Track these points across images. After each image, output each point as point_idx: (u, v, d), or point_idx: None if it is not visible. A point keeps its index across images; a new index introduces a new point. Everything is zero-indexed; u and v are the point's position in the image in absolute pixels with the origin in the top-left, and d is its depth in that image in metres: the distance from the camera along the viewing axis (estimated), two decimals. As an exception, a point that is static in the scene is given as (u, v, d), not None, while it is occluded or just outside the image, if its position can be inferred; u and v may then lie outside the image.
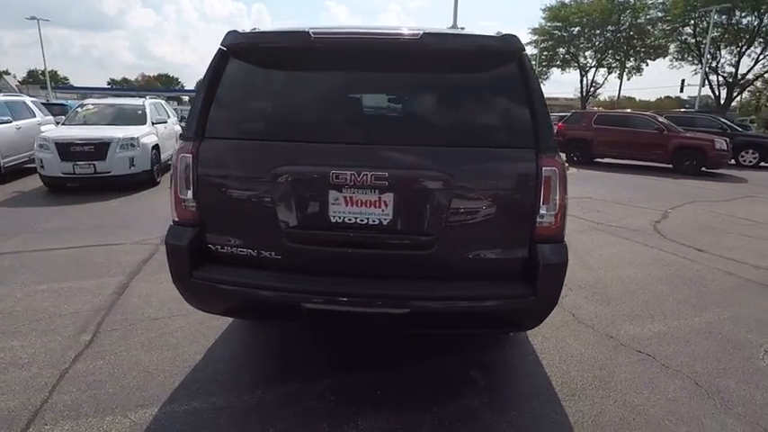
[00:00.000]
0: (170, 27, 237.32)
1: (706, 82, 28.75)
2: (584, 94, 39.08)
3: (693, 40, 30.25)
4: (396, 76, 2.03)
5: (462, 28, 18.44)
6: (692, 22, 29.54)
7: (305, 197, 1.97)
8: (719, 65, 29.94)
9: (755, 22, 26.97)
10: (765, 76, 29.94)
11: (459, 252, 1.99)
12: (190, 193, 2.05)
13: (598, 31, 36.17)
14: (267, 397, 2.29)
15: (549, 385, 2.45)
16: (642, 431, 2.11)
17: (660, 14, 31.66)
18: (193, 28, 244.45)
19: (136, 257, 4.36)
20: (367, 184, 1.89)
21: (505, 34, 1.97)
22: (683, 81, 28.84)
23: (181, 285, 2.11)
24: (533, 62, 38.82)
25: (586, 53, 38.16)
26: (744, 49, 28.06)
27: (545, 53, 38.56)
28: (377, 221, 1.95)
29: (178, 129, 11.28)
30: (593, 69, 38.48)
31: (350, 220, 1.96)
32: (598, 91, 40.76)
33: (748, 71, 28.98)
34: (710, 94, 30.77)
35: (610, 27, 35.23)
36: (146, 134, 8.23)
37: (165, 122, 9.80)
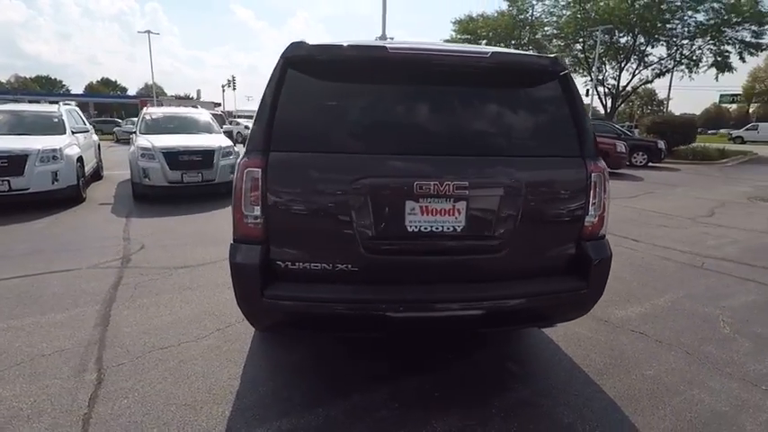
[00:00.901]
0: (45, 23, 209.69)
1: (595, 92, 32.72)
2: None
3: (583, 56, 34.25)
4: (465, 90, 2.14)
5: (392, 38, 19.01)
6: (581, 39, 33.45)
7: (383, 208, 1.99)
8: (605, 78, 34.25)
9: (631, 42, 31.36)
10: (639, 89, 34.83)
11: (524, 253, 2.15)
12: (258, 209, 1.96)
13: (503, 44, 39.29)
14: (332, 413, 2.24)
15: (578, 368, 2.71)
16: (669, 398, 2.44)
17: (555, 32, 35.33)
18: (76, 25, 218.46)
19: (101, 284, 3.91)
20: (446, 193, 1.97)
21: (554, 56, 2.19)
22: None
23: (250, 306, 2.00)
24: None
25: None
26: (623, 65, 32.42)
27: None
28: (451, 229, 2.04)
29: (96, 138, 10.20)
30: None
31: (425, 228, 2.03)
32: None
33: (627, 84, 33.53)
34: (599, 103, 35.05)
35: (512, 41, 38.46)
36: (68, 145, 7.35)
37: (86, 132, 8.83)
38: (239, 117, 37.92)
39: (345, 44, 2.01)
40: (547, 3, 35.44)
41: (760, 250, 5.31)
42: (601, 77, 33.70)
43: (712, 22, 27.79)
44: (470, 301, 2.04)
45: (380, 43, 2.03)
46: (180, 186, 7.40)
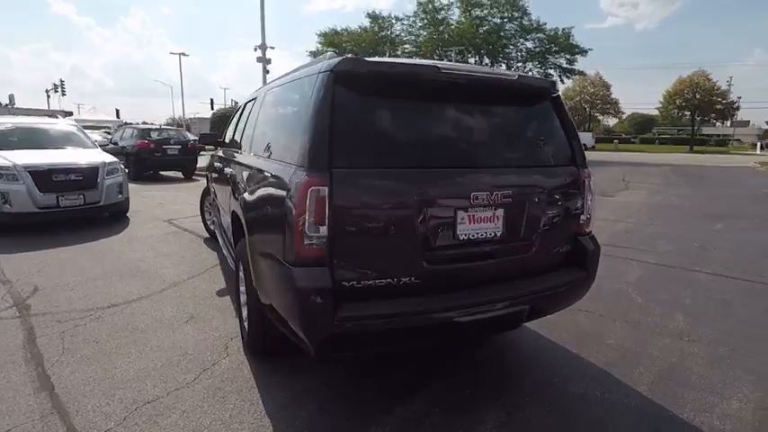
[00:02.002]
0: None
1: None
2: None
3: (439, 72, 38.04)
4: (497, 108, 2.33)
5: (272, 47, 18.46)
6: (437, 57, 37.04)
7: (440, 220, 2.07)
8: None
9: (478, 62, 35.90)
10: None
11: (544, 251, 2.44)
12: (324, 229, 1.86)
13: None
14: (387, 429, 2.22)
15: (561, 347, 3.13)
16: (636, 359, 2.98)
17: (414, 49, 38.43)
18: None
19: (6, 341, 3.11)
20: (489, 202, 2.14)
21: (551, 80, 2.54)
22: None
23: (321, 332, 1.88)
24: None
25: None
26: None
27: (325, 75, 41.48)
28: (491, 234, 2.22)
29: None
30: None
31: (473, 236, 2.17)
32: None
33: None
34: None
35: (376, 56, 40.61)
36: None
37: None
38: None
39: (396, 61, 2.05)
40: (405, 23, 38.43)
41: (621, 235, 6.68)
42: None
43: (538, 49, 33.55)
44: (519, 298, 2.26)
45: (431, 63, 2.12)
46: (55, 212, 6.16)
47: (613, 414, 2.39)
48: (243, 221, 2.55)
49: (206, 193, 6.07)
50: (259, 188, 2.34)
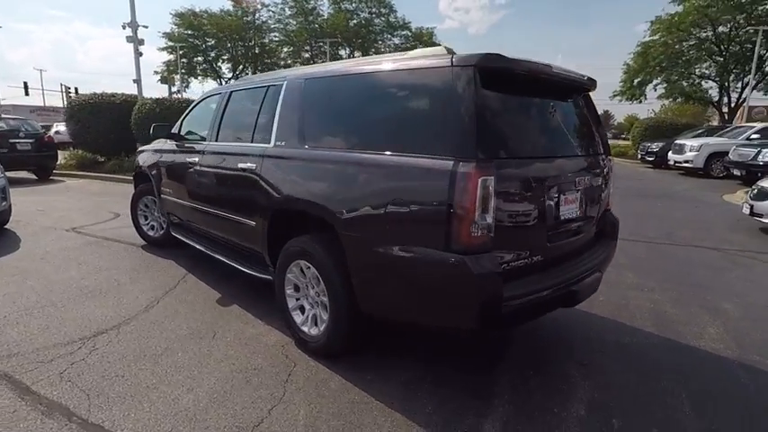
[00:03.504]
0: None
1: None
2: (230, 103, 40.88)
3: (312, 61, 37.61)
4: (572, 103, 2.68)
5: (145, 26, 15.84)
6: (308, 47, 36.62)
7: (554, 202, 2.33)
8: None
9: (349, 54, 36.58)
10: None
11: (596, 225, 2.88)
12: (489, 217, 1.96)
13: (230, 45, 38.48)
14: (483, 420, 2.42)
15: (590, 314, 3.68)
16: (627, 309, 3.69)
17: (284, 38, 37.27)
18: None
19: (-14, 394, 2.41)
20: (578, 186, 2.48)
21: (588, 76, 2.96)
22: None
23: (493, 313, 1.98)
24: (175, 69, 37.29)
25: (225, 65, 39.97)
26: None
27: (183, 60, 37.55)
28: (575, 214, 2.56)
29: None
30: (235, 81, 40.72)
31: (566, 217, 2.48)
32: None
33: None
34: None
35: (242, 43, 38.24)
36: None
37: None
38: None
39: (521, 59, 2.20)
40: (273, 10, 36.95)
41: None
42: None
43: (405, 46, 35.65)
44: (598, 265, 2.66)
45: (545, 63, 2.31)
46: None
47: (646, 351, 2.99)
48: (337, 219, 2.41)
49: (140, 195, 5.24)
50: (383, 182, 2.24)
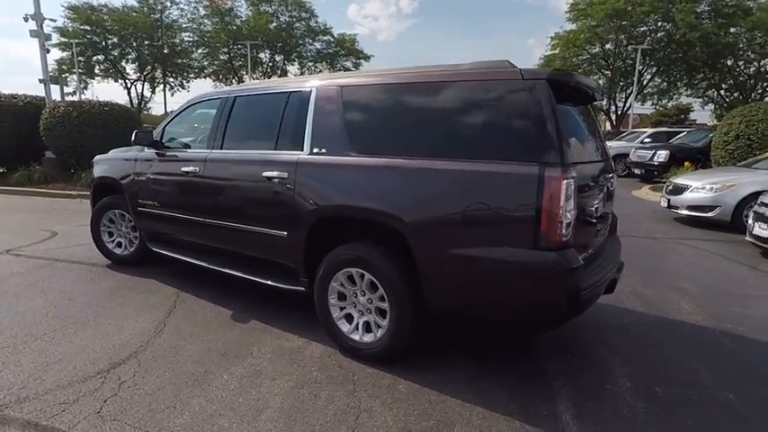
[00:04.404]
0: None
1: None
2: (139, 107, 37.44)
3: (230, 65, 35.92)
4: (590, 109, 3.02)
5: (53, 19, 13.84)
6: (226, 49, 34.92)
7: (597, 202, 2.64)
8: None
9: (269, 57, 35.66)
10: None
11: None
12: (570, 215, 2.17)
13: (135, 43, 35.37)
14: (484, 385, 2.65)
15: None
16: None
17: (198, 39, 35.06)
18: None
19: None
20: (603, 186, 2.83)
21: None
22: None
23: (576, 301, 2.18)
24: (69, 68, 33.24)
25: (129, 65, 36.58)
26: (266, 77, 36.42)
27: (80, 59, 33.62)
28: (602, 212, 2.88)
29: None
30: (141, 83, 37.45)
31: (601, 213, 2.80)
32: (149, 105, 40.14)
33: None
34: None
35: (149, 42, 35.31)
36: None
37: None
38: None
39: (568, 73, 2.48)
40: (185, 8, 34.72)
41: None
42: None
43: (327, 51, 35.64)
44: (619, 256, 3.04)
45: (572, 74, 2.58)
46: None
47: (647, 328, 3.44)
48: (406, 224, 2.46)
49: (103, 209, 4.71)
50: (460, 188, 2.32)
